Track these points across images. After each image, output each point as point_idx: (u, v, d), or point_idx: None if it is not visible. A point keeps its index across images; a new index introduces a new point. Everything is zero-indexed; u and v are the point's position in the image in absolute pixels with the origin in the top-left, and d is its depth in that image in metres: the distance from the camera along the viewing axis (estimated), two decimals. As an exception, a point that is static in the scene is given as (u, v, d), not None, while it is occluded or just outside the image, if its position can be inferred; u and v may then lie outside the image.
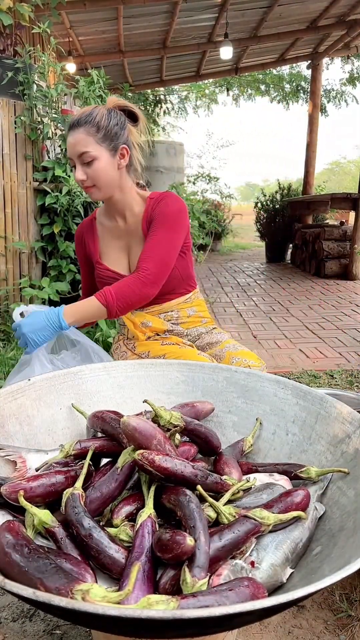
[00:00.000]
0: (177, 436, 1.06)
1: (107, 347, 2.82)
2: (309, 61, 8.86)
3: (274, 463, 1.03)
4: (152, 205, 1.60)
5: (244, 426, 1.20)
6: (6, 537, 0.72)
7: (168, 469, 0.78)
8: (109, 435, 0.99)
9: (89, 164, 1.47)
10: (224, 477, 0.89)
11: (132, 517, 0.82)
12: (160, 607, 0.59)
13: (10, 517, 0.83)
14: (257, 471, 1.01)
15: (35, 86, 3.29)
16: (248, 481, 0.92)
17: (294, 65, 10.15)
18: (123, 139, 1.52)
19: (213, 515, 0.80)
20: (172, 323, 1.72)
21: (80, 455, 0.98)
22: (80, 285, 1.71)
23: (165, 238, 1.54)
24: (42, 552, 0.69)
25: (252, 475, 0.98)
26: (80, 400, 1.21)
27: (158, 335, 1.70)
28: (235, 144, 17.19)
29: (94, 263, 1.72)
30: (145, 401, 1.07)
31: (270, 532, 0.80)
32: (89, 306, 1.47)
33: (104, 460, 1.02)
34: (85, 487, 0.86)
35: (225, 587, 0.65)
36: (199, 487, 0.80)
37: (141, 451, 0.79)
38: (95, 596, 0.60)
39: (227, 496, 0.85)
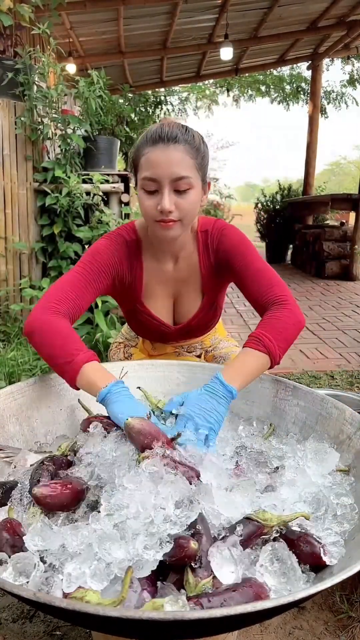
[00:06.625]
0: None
1: (106, 347, 2.82)
2: (309, 62, 8.85)
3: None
4: (210, 246, 1.32)
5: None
6: (3, 537, 0.71)
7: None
8: None
9: (183, 192, 1.15)
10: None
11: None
12: (167, 608, 0.59)
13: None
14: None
15: (35, 87, 3.29)
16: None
17: (294, 66, 10.14)
18: (207, 171, 1.24)
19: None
20: (191, 352, 1.61)
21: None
22: (64, 291, 1.18)
23: (261, 262, 1.29)
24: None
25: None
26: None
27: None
28: (235, 145, 17.17)
29: (132, 299, 1.37)
30: (138, 388, 1.08)
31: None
32: (251, 360, 1.09)
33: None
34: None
35: (229, 588, 0.65)
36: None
37: (147, 454, 0.80)
38: (90, 602, 0.60)
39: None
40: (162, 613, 0.54)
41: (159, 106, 9.59)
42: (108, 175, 3.51)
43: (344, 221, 7.90)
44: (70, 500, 0.81)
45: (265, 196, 8.90)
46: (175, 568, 0.69)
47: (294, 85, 10.63)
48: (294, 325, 1.16)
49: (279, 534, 0.77)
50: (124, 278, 1.32)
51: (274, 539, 0.76)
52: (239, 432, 1.11)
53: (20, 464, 0.98)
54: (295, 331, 1.16)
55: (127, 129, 4.04)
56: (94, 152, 3.58)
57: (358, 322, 4.29)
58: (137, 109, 7.47)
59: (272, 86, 10.68)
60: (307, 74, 9.54)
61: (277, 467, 0.95)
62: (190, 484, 0.80)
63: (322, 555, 0.72)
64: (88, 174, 3.40)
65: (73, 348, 1.07)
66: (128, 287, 1.34)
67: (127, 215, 3.71)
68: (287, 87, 10.67)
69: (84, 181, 3.39)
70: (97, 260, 1.26)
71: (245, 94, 10.90)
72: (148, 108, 8.97)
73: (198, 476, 0.84)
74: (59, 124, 3.41)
